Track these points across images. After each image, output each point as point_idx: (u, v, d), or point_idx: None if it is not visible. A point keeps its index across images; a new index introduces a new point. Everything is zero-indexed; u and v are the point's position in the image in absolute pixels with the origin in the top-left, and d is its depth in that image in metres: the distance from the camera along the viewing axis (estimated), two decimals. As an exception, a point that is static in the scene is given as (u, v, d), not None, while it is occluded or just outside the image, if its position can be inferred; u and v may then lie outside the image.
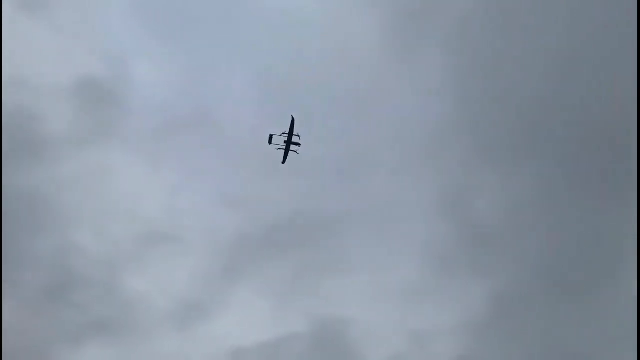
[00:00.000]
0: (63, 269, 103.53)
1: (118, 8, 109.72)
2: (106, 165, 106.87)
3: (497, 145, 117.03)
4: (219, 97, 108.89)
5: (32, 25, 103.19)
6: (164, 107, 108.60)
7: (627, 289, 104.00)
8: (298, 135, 71.90)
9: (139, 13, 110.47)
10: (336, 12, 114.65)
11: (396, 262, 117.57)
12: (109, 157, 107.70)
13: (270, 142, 71.07)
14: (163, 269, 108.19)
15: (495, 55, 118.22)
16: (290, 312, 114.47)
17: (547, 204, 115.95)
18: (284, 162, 72.83)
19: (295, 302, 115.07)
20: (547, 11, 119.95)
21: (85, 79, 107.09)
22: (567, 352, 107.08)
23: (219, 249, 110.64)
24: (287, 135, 70.09)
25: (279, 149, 71.67)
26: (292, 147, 72.30)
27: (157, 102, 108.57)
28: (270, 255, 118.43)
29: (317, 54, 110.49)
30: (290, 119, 70.88)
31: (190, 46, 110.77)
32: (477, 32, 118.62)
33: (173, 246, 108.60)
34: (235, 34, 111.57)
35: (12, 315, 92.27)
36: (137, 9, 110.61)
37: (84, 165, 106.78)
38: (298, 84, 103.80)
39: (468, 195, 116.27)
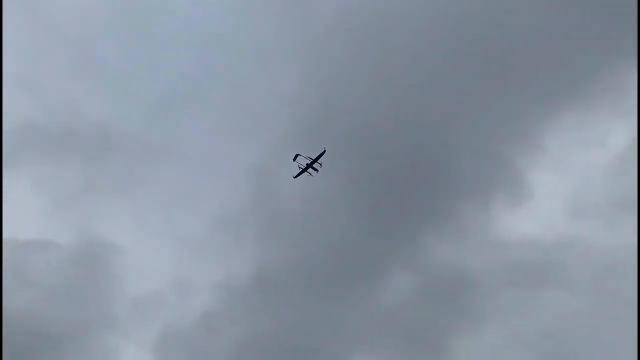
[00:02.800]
0: None
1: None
2: None
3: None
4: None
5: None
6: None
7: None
8: (320, 164, 77.72)
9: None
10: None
11: (186, 218, 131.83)
12: None
13: (294, 160, 77.85)
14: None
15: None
16: (63, 220, 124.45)
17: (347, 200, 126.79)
18: (295, 176, 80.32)
19: (71, 214, 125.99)
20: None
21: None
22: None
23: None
24: (311, 160, 76.76)
25: (300, 166, 78.55)
26: (310, 170, 78.98)
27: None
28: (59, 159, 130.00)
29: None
30: (322, 150, 77.64)
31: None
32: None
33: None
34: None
35: None
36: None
37: None
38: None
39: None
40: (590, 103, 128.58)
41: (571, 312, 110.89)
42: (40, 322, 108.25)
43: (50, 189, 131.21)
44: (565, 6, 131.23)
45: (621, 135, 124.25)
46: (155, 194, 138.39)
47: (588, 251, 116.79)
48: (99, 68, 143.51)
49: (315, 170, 79.55)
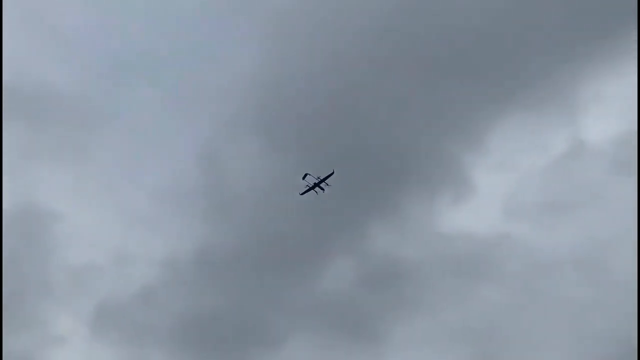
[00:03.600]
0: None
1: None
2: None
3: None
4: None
5: None
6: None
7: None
8: (327, 184, 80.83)
9: None
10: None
11: (130, 189, 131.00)
12: None
13: (303, 178, 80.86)
14: None
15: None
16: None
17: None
18: (301, 194, 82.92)
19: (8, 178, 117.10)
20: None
21: None
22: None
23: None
24: (319, 179, 79.98)
25: (307, 184, 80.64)
26: (317, 188, 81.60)
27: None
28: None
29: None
30: (331, 171, 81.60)
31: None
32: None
33: None
34: None
35: None
36: None
37: None
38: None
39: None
40: (536, 107, 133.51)
41: (502, 307, 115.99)
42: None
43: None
44: (519, 8, 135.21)
45: (561, 141, 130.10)
46: (98, 163, 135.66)
47: (521, 250, 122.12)
48: (47, 28, 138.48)
49: (322, 189, 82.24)
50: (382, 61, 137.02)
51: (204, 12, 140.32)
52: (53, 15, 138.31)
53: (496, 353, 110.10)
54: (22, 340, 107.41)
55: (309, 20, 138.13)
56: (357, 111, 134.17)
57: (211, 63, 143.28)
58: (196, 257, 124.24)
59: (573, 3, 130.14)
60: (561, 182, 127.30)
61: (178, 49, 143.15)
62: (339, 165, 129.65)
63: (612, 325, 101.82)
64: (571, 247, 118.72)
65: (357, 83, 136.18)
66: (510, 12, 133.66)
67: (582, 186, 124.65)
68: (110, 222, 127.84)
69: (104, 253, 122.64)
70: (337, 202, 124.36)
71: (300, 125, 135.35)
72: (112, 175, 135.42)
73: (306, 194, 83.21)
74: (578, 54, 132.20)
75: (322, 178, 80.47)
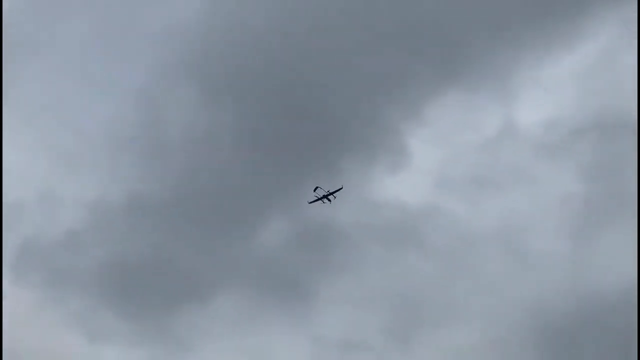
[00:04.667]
0: None
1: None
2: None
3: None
4: None
5: None
6: None
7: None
8: (334, 197, 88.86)
9: None
10: None
11: (59, 128, 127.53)
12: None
13: (314, 190, 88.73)
14: None
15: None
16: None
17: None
18: (310, 202, 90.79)
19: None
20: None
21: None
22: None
23: None
24: (328, 192, 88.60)
25: (317, 196, 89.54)
26: (325, 199, 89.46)
27: None
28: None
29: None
30: (340, 187, 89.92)
31: None
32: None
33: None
34: None
35: None
36: None
37: None
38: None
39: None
40: (473, 87, 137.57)
41: (426, 276, 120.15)
42: None
43: None
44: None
45: (494, 121, 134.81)
46: (26, 98, 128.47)
47: (449, 222, 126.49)
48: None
49: (329, 200, 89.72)
50: (327, 23, 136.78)
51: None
52: None
53: (418, 319, 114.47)
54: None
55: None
56: (298, 70, 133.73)
57: (153, 7, 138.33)
58: (126, 203, 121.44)
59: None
60: (491, 160, 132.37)
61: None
62: (276, 122, 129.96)
63: (529, 299, 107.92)
64: (496, 223, 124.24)
65: (300, 41, 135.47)
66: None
67: (510, 166, 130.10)
68: (38, 161, 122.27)
69: (29, 192, 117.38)
70: (275, 160, 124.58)
71: (240, 78, 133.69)
72: (40, 112, 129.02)
73: (314, 203, 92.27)
74: (517, 39, 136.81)
75: (331, 191, 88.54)
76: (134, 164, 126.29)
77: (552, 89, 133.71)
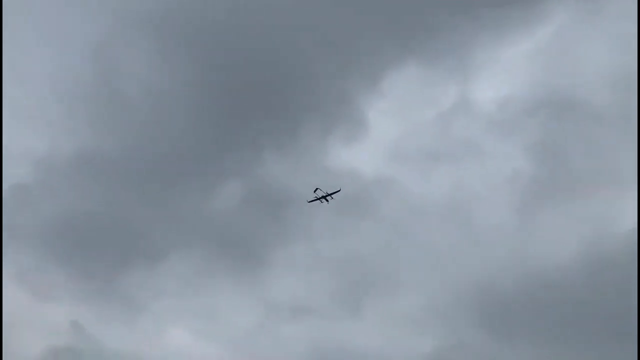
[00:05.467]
0: None
1: None
2: None
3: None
4: None
5: None
6: None
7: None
8: (332, 197, 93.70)
9: None
10: None
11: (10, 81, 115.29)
12: None
13: (314, 191, 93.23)
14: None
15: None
16: None
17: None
18: (309, 201, 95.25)
19: None
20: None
21: None
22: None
23: None
24: (326, 193, 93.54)
25: (316, 196, 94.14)
26: (323, 200, 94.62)
27: None
28: None
29: None
30: (338, 189, 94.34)
31: None
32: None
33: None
34: None
35: None
36: None
37: None
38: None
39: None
40: (432, 62, 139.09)
41: (376, 244, 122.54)
42: None
43: None
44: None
45: (449, 97, 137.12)
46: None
47: (400, 193, 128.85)
48: None
49: (327, 201, 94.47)
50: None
51: None
52: None
53: (367, 286, 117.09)
54: None
55: None
56: (258, 37, 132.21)
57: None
58: (77, 158, 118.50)
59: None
60: (445, 134, 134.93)
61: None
62: (235, 85, 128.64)
63: (475, 270, 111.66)
64: (446, 195, 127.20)
65: (262, 9, 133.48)
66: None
67: (463, 141, 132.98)
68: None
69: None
70: (232, 123, 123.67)
71: (199, 38, 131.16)
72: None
73: (313, 202, 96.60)
74: (477, 18, 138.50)
75: (329, 193, 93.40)
76: (87, 118, 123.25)
77: (508, 68, 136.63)
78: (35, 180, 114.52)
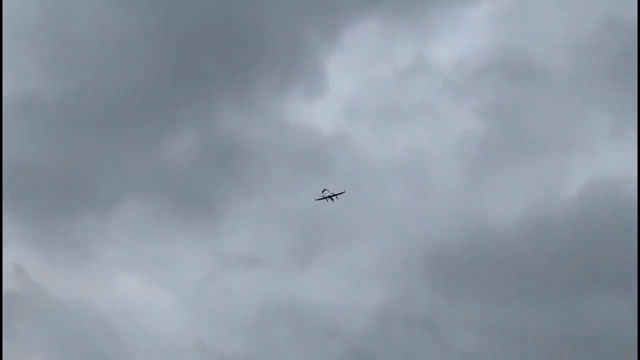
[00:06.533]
0: None
1: None
2: None
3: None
4: None
5: None
6: None
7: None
8: (337, 196, 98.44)
9: None
10: None
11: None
12: None
13: (322, 192, 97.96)
14: None
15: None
16: None
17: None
18: (316, 199, 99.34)
19: None
20: None
21: None
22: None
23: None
24: (333, 194, 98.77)
25: (323, 195, 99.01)
26: (329, 199, 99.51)
27: None
28: None
29: None
30: (343, 190, 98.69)
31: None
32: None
33: None
34: None
35: None
36: None
37: None
38: None
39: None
40: (392, 20, 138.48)
41: (330, 202, 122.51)
42: None
43: None
44: None
45: (408, 55, 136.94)
46: None
47: (355, 150, 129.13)
48: None
49: (332, 200, 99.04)
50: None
51: None
52: None
53: (320, 241, 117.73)
54: None
55: None
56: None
57: None
58: (24, 102, 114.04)
59: None
60: (401, 93, 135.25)
61: None
62: (192, 33, 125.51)
63: (426, 228, 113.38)
64: (400, 154, 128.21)
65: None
66: None
67: (418, 100, 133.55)
68: None
69: None
70: (187, 71, 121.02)
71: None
72: None
73: (320, 201, 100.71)
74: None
75: (335, 194, 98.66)
76: (35, 61, 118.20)
77: (467, 28, 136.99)
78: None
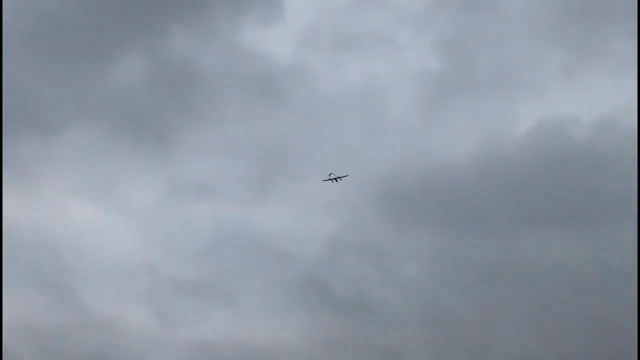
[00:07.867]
0: None
1: None
2: None
3: None
4: None
5: None
6: None
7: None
8: (341, 178, 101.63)
9: None
10: None
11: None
12: None
13: (329, 175, 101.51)
14: None
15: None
16: None
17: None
18: (323, 180, 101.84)
19: None
20: None
21: None
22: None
23: None
24: (337, 177, 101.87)
25: (330, 177, 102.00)
26: (333, 181, 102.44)
27: None
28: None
29: None
30: (347, 174, 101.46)
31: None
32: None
33: None
34: None
35: None
36: None
37: None
38: None
39: None
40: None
41: (285, 130, 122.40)
42: None
43: None
44: None
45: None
46: None
47: (311, 80, 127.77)
48: None
49: (336, 182, 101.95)
50: None
51: None
52: None
53: (275, 170, 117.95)
54: None
55: None
56: None
57: None
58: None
59: None
60: (358, 23, 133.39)
61: None
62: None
63: (376, 160, 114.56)
64: (355, 85, 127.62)
65: None
66: None
67: (375, 31, 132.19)
68: None
69: None
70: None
71: None
72: None
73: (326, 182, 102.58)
74: None
75: (340, 177, 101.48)
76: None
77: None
78: None
